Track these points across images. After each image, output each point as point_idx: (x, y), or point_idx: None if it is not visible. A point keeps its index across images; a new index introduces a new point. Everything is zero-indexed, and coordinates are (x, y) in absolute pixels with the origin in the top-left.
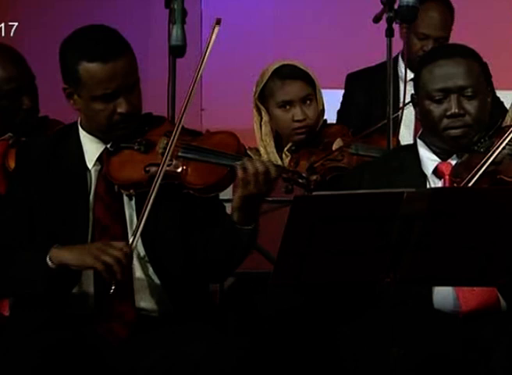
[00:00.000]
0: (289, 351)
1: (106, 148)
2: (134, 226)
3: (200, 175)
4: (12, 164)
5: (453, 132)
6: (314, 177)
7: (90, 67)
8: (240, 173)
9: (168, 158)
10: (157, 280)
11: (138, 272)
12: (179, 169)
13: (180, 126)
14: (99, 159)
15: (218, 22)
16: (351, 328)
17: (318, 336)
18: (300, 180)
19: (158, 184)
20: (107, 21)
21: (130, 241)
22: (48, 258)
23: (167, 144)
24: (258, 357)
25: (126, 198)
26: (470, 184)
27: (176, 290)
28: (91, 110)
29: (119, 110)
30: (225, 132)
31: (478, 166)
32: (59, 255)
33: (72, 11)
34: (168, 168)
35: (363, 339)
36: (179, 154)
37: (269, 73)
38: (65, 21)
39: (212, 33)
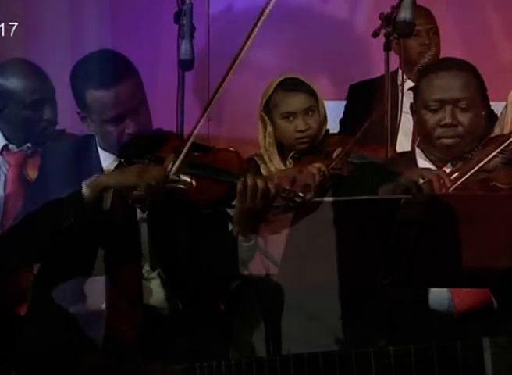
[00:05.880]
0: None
1: (120, 163)
2: (146, 235)
3: (204, 191)
4: (30, 173)
5: (446, 141)
6: (309, 196)
7: (95, 94)
8: (239, 187)
9: (174, 173)
10: (165, 279)
11: (146, 269)
12: (184, 186)
13: (189, 143)
14: None
15: None
16: (349, 327)
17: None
18: (297, 199)
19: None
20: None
21: (169, 167)
22: (84, 189)
23: (175, 160)
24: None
25: (139, 210)
26: (457, 184)
27: (183, 290)
28: (102, 132)
29: (127, 131)
30: (228, 150)
31: (470, 171)
32: (98, 180)
33: (75, 14)
34: (174, 184)
35: (359, 338)
36: (185, 170)
37: (274, 86)
38: (66, 22)
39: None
